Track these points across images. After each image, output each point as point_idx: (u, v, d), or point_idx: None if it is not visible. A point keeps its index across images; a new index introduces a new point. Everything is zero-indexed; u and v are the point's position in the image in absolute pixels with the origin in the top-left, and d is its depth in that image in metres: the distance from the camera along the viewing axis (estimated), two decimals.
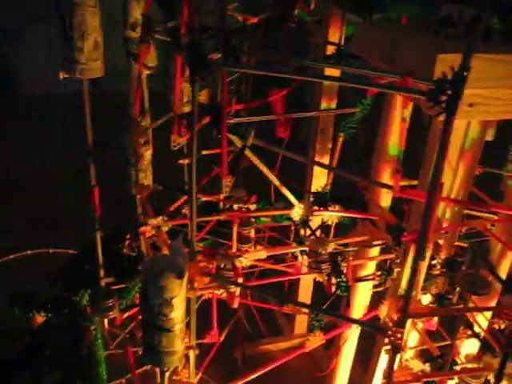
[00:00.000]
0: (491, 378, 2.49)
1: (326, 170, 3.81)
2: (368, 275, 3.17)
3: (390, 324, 2.01)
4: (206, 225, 2.93)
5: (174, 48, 2.47)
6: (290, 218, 2.92)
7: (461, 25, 2.55)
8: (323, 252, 2.72)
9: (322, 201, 2.80)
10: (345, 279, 2.64)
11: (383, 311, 2.74)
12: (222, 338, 3.55)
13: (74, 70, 2.53)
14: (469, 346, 2.84)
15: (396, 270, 2.84)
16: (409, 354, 2.83)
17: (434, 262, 2.86)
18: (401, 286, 2.71)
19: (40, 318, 2.93)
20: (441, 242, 2.87)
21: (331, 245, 2.73)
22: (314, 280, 3.44)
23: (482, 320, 2.81)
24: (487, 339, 2.63)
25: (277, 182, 2.57)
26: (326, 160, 3.76)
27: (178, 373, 2.40)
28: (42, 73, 9.17)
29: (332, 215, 2.83)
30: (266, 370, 3.02)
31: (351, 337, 3.36)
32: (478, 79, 2.08)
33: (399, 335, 1.86)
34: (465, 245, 3.26)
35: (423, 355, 2.86)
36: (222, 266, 2.60)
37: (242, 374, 3.40)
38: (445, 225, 2.71)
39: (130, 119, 2.82)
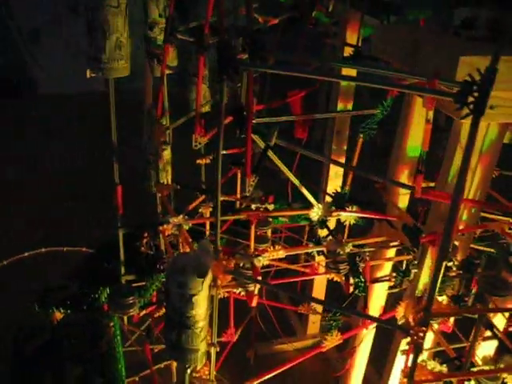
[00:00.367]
0: (509, 380, 2.50)
1: (341, 172, 3.84)
2: (384, 276, 3.19)
3: (412, 323, 2.02)
4: (223, 224, 2.96)
5: (197, 48, 2.49)
6: (307, 219, 2.94)
7: (481, 27, 2.57)
8: (341, 252, 2.74)
9: (341, 201, 2.82)
10: (363, 279, 2.65)
11: (400, 312, 2.75)
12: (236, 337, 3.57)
13: (97, 69, 2.56)
14: (485, 348, 2.85)
15: (413, 271, 2.84)
16: (424, 355, 2.84)
17: (449, 263, 2.87)
18: (418, 288, 2.73)
19: (59, 315, 2.96)
20: (457, 243, 2.88)
21: (349, 245, 2.75)
22: (327, 281, 3.45)
23: (498, 321, 2.82)
24: (504, 340, 2.64)
25: (297, 182, 2.59)
26: (341, 161, 3.78)
27: (197, 370, 2.43)
28: (58, 73, 9.25)
29: (350, 216, 2.85)
30: (280, 370, 3.03)
31: (367, 337, 3.38)
32: (498, 81, 2.09)
33: (421, 334, 1.87)
34: (479, 247, 3.28)
35: (438, 357, 2.87)
36: (241, 265, 2.63)
37: (254, 373, 3.41)
38: (461, 226, 2.73)
39: (151, 118, 2.85)
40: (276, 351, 4.55)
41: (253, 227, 2.75)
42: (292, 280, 2.96)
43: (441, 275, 2.70)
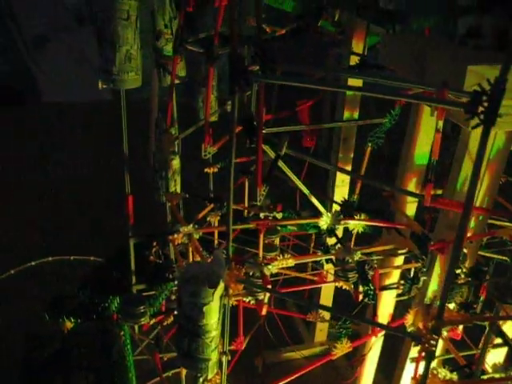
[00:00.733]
0: None
1: (348, 179, 3.85)
2: (392, 284, 3.20)
3: (424, 331, 2.03)
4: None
5: (206, 59, 2.52)
6: (316, 227, 2.95)
7: (487, 35, 2.58)
8: (350, 260, 2.75)
9: (349, 210, 2.83)
10: (372, 287, 2.66)
11: (409, 320, 2.76)
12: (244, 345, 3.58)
13: (108, 80, 2.59)
14: (495, 355, 2.85)
15: (422, 278, 2.85)
16: (433, 363, 2.84)
17: (458, 271, 2.88)
18: (427, 295, 2.74)
19: (69, 324, 2.97)
20: (465, 250, 2.88)
21: (358, 253, 2.76)
22: (335, 288, 3.46)
23: (508, 329, 2.82)
24: None
25: (306, 191, 2.61)
26: (348, 169, 3.79)
27: (209, 379, 2.43)
28: (62, 80, 9.29)
29: (358, 224, 2.86)
30: (289, 379, 3.03)
31: (376, 345, 3.38)
32: (506, 90, 2.12)
33: (433, 342, 1.88)
34: (487, 254, 3.29)
35: (447, 365, 2.87)
36: (251, 273, 2.64)
37: (262, 381, 3.42)
38: (469, 234, 2.73)
39: (160, 128, 2.87)
40: (284, 359, 4.55)
41: (261, 236, 2.77)
42: (301, 288, 2.96)
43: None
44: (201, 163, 3.43)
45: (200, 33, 2.77)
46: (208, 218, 3.33)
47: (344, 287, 2.84)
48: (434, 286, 2.71)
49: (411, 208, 3.04)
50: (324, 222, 2.69)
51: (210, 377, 2.36)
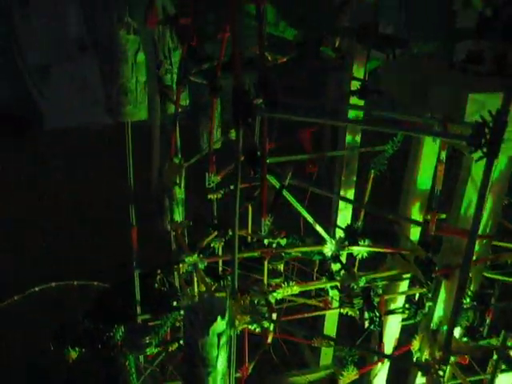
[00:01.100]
0: None
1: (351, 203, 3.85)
2: (398, 308, 3.18)
3: (431, 361, 2.02)
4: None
5: (210, 91, 2.54)
6: (320, 253, 2.95)
7: (487, 61, 2.60)
8: (355, 287, 2.75)
9: (353, 236, 2.83)
10: (378, 314, 2.65)
11: (416, 346, 2.75)
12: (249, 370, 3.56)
13: (108, 112, 2.61)
14: (503, 381, 2.83)
15: (428, 304, 2.84)
16: None
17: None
18: (433, 321, 2.72)
19: (74, 354, 2.96)
20: (470, 274, 2.88)
21: (363, 279, 2.75)
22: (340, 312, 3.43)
23: None
24: None
25: (310, 219, 2.61)
26: (351, 192, 3.80)
27: None
28: (65, 109, 9.35)
29: (362, 250, 2.86)
30: None
31: (382, 371, 3.36)
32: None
33: (441, 372, 1.87)
34: (492, 276, 3.27)
35: None
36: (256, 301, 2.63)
37: None
38: (474, 257, 2.73)
39: (165, 158, 2.89)
40: (289, 383, 4.51)
41: (266, 263, 2.77)
42: (306, 315, 2.95)
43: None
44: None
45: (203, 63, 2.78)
46: (212, 244, 3.33)
47: (349, 313, 2.83)
48: (439, 311, 2.70)
49: (415, 232, 3.04)
50: (329, 249, 2.69)
51: None
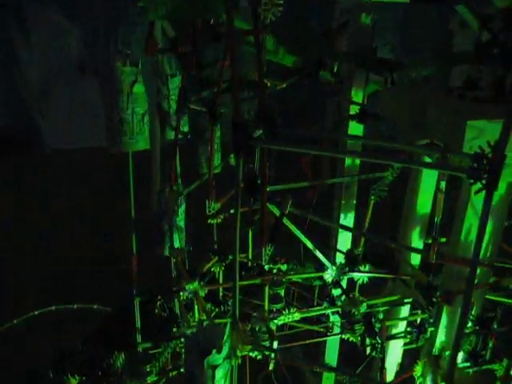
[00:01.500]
0: None
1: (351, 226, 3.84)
2: (399, 333, 3.16)
3: None
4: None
5: (209, 119, 2.55)
6: (321, 278, 2.94)
7: (484, 87, 2.61)
8: (356, 312, 2.74)
9: (354, 262, 2.83)
10: (380, 340, 2.64)
11: (418, 371, 2.73)
12: None
13: (110, 143, 2.63)
14: None
15: (430, 329, 2.82)
16: None
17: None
18: (435, 347, 2.71)
19: (74, 382, 2.93)
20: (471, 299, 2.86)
21: (364, 305, 2.75)
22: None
23: None
24: None
25: (311, 246, 2.61)
26: (351, 215, 3.79)
27: None
28: (62, 131, 9.43)
29: (363, 276, 2.85)
30: None
31: None
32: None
33: None
34: (494, 298, 3.25)
35: None
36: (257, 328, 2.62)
37: None
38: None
39: (164, 186, 2.89)
40: None
41: (266, 289, 2.76)
42: (307, 342, 2.94)
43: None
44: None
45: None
46: (212, 269, 3.31)
47: (351, 339, 2.82)
48: (441, 337, 2.68)
49: (416, 257, 3.04)
50: (329, 275, 2.69)
51: None
